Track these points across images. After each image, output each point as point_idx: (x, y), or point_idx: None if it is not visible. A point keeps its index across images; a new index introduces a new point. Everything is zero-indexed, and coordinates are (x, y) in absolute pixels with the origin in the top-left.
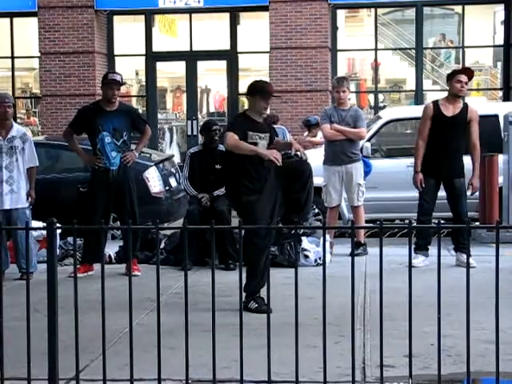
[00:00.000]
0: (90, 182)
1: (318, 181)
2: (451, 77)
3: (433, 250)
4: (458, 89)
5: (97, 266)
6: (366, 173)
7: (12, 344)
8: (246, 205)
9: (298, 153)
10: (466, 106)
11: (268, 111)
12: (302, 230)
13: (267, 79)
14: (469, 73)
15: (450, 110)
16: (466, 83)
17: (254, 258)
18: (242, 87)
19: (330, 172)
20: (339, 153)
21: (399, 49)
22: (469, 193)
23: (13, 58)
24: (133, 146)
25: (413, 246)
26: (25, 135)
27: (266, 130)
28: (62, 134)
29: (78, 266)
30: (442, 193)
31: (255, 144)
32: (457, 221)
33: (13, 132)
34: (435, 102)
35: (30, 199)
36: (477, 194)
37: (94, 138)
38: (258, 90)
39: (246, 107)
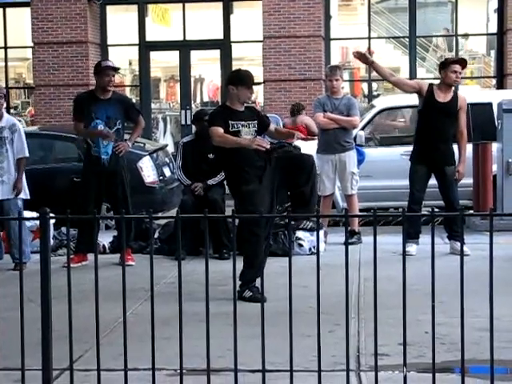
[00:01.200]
0: (83, 171)
1: None
2: (445, 66)
3: (426, 238)
4: (453, 79)
5: (91, 256)
6: (360, 161)
7: (5, 334)
8: (245, 194)
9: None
10: (456, 93)
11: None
12: (309, 225)
13: (261, 68)
14: (463, 63)
15: (441, 97)
16: (460, 73)
17: (252, 247)
18: None
19: (324, 161)
20: (332, 141)
21: (392, 37)
22: (459, 178)
23: (6, 48)
24: (126, 136)
25: None
26: (14, 126)
27: (250, 118)
28: (74, 128)
29: (71, 256)
30: (433, 181)
31: (238, 132)
32: (449, 209)
33: (2, 123)
34: (431, 84)
35: (15, 190)
36: (470, 181)
37: (87, 126)
38: (242, 80)
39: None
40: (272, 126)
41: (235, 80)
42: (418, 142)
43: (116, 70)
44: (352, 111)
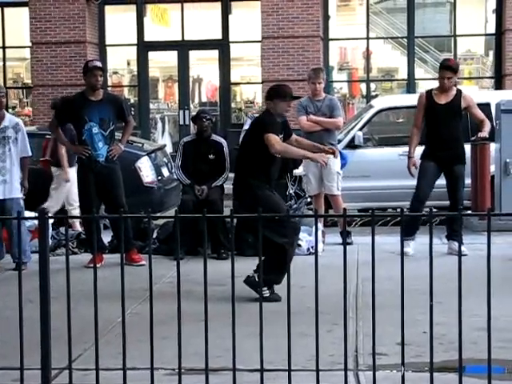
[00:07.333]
0: (79, 175)
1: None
2: (439, 69)
3: (424, 238)
4: (441, 85)
5: (89, 256)
6: (342, 165)
7: (5, 334)
8: (264, 197)
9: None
10: (459, 93)
11: None
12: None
13: (259, 69)
14: (454, 66)
15: (442, 99)
16: (450, 78)
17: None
18: (234, 77)
19: (310, 162)
20: (317, 143)
21: (391, 38)
22: (483, 134)
23: (4, 48)
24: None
25: None
26: (17, 125)
27: (282, 129)
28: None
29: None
30: (438, 181)
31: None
32: (453, 208)
33: (5, 122)
34: (429, 91)
35: (23, 190)
36: (469, 182)
37: (81, 129)
38: (278, 92)
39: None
40: (293, 137)
41: (271, 94)
42: (428, 145)
43: (102, 70)
44: (335, 112)
